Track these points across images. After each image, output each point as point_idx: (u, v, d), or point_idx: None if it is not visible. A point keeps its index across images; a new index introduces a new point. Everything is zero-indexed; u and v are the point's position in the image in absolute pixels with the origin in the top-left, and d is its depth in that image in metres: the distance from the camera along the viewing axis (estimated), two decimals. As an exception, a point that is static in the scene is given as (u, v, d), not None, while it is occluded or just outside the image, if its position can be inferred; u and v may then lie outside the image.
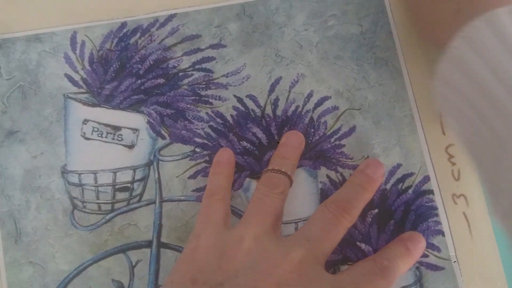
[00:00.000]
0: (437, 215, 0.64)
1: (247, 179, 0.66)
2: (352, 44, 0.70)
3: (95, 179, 0.65)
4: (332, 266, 0.64)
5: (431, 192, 0.65)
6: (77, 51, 0.70)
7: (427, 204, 0.65)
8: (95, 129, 0.67)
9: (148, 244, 0.64)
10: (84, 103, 0.67)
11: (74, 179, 0.65)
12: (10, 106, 0.68)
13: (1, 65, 0.69)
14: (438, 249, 0.64)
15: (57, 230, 0.65)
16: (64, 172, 0.66)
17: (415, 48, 0.70)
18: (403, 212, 0.64)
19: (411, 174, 0.66)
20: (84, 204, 0.65)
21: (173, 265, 0.61)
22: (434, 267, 0.63)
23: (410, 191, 0.65)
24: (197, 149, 0.67)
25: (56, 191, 0.65)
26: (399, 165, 0.66)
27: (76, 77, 0.69)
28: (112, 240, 0.64)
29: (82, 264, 0.64)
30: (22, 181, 0.66)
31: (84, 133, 0.66)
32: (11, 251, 0.64)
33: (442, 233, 0.64)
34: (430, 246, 0.64)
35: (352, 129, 0.67)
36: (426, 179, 0.66)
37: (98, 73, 0.69)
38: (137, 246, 0.64)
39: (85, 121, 0.67)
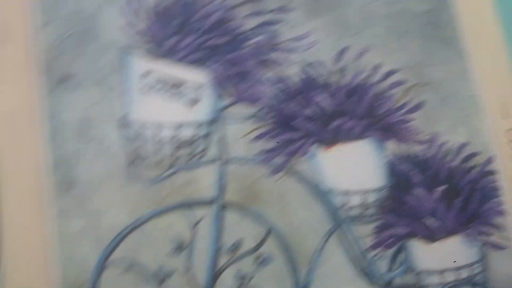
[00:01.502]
0: (500, 195, 0.64)
1: (314, 145, 0.64)
2: (420, 20, 0.70)
3: (156, 132, 0.63)
4: (400, 239, 0.63)
5: (495, 172, 0.65)
6: (139, 0, 0.67)
7: (491, 184, 0.65)
8: (156, 82, 0.64)
9: (211, 202, 0.62)
10: (146, 55, 0.64)
11: (133, 131, 0.62)
12: (65, 52, 0.64)
13: (59, 11, 0.66)
14: (501, 229, 0.64)
15: (113, 182, 0.62)
16: (123, 123, 0.63)
17: (481, 30, 0.70)
18: (470, 190, 0.64)
19: (476, 154, 0.66)
20: (144, 157, 0.62)
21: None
22: (498, 246, 0.63)
23: (475, 170, 0.65)
24: (263, 111, 0.65)
25: (113, 142, 0.63)
26: (464, 144, 0.66)
27: (138, 28, 0.66)
28: (173, 196, 0.62)
29: (140, 218, 0.61)
30: (76, 129, 0.63)
31: (145, 86, 0.64)
32: (62, 200, 0.61)
33: (505, 213, 0.64)
34: (494, 226, 0.63)
35: (420, 105, 0.67)
36: (491, 159, 0.65)
37: (160, 25, 0.66)
38: (200, 203, 0.62)
39: (146, 73, 0.64)
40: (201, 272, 0.61)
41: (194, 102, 0.64)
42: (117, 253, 0.60)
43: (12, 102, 0.63)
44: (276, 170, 0.64)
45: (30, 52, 0.65)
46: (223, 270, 0.61)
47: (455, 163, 0.65)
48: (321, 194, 0.63)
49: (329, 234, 0.63)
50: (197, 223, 0.61)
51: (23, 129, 0.63)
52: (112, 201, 0.61)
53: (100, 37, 0.65)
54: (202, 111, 0.64)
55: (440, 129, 0.66)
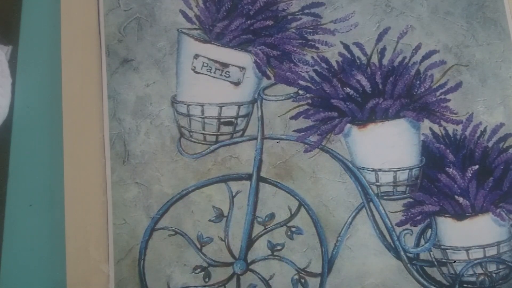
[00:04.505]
0: (534, 176, 0.64)
1: (348, 124, 0.67)
2: (463, 1, 0.70)
3: (202, 111, 0.68)
4: (429, 216, 0.65)
5: (531, 153, 0.65)
6: (192, -12, 0.72)
7: (525, 165, 0.65)
8: (205, 64, 0.69)
9: (248, 177, 0.67)
10: (196, 39, 0.70)
11: (182, 109, 0.69)
12: (126, 36, 0.71)
13: (123, -3, 0.73)
14: (533, 210, 0.64)
15: (164, 155, 0.68)
16: (174, 102, 0.69)
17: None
18: (503, 170, 0.64)
19: (512, 134, 0.66)
20: (191, 133, 0.68)
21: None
22: (528, 227, 0.64)
23: (511, 150, 0.65)
24: (300, 91, 0.68)
25: (165, 118, 0.69)
26: (502, 124, 0.66)
27: (190, 14, 0.71)
28: (215, 170, 0.68)
29: (185, 189, 0.67)
30: (134, 106, 0.69)
31: (195, 67, 0.69)
32: (118, 171, 0.68)
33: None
34: (527, 206, 0.64)
35: (459, 85, 0.68)
36: (527, 140, 0.65)
37: (211, 11, 0.71)
38: (238, 177, 0.67)
39: (196, 56, 0.69)
40: (237, 240, 0.66)
41: (237, 83, 0.69)
42: (164, 220, 0.67)
43: (80, 81, 0.71)
44: (310, 148, 0.67)
45: (97, 36, 0.72)
46: (257, 239, 0.66)
47: (490, 143, 0.66)
48: (352, 171, 0.66)
49: (359, 209, 0.66)
50: (235, 195, 0.67)
51: (89, 106, 0.70)
52: (162, 172, 0.68)
53: (158, 22, 0.71)
54: (244, 92, 0.69)
55: (478, 109, 0.67)
